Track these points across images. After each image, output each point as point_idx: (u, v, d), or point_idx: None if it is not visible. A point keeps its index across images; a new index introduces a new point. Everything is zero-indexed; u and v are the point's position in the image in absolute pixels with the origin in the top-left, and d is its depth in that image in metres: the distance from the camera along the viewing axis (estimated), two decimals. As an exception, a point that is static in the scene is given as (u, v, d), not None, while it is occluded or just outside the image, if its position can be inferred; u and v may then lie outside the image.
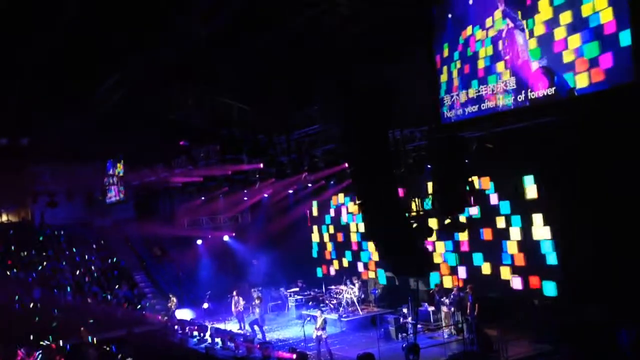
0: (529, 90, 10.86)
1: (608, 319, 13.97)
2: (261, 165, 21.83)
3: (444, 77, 12.75)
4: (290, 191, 27.64)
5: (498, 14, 11.48)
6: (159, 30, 12.17)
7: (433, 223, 17.69)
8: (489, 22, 11.72)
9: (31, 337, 19.13)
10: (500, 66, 11.58)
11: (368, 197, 14.14)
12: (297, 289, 25.12)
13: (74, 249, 28.50)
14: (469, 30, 12.10)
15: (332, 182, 25.28)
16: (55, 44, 12.92)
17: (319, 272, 27.65)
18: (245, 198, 28.54)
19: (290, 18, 12.40)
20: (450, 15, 12.43)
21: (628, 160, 13.05)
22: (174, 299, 23.64)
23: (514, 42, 11.07)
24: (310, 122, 18.12)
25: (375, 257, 24.39)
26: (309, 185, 26.33)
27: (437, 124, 13.00)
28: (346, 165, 20.57)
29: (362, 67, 13.49)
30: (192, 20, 11.81)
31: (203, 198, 29.39)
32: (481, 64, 12.03)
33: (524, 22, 10.80)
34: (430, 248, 20.67)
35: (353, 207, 25.64)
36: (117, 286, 26.16)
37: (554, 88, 10.35)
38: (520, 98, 11.08)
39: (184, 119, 17.32)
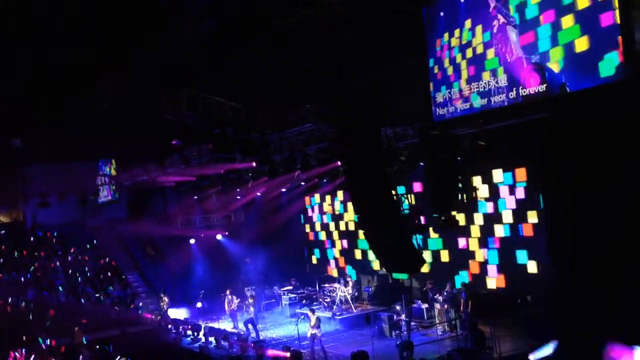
0: (521, 87, 10.96)
1: (600, 316, 14.04)
2: (254, 164, 21.82)
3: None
4: (283, 190, 27.68)
5: (468, 23, 11.85)
6: (154, 31, 12.15)
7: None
8: (457, 32, 12.15)
9: (24, 338, 19.06)
10: (465, 73, 12.20)
11: (360, 194, 14.18)
12: (290, 288, 25.12)
13: (67, 250, 28.40)
14: (445, 37, 12.50)
15: (324, 180, 25.38)
16: (49, 46, 12.87)
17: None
18: (239, 197, 28.51)
19: (284, 18, 12.42)
20: (442, 14, 12.56)
21: (622, 156, 13.10)
22: (166, 299, 23.60)
23: (507, 39, 11.13)
24: (303, 120, 18.12)
25: (338, 254, 26.59)
26: (302, 183, 26.36)
27: (429, 122, 13.14)
28: (339, 163, 20.62)
29: (354, 66, 13.54)
30: (187, 20, 11.80)
31: (196, 197, 29.34)
32: (450, 71, 12.53)
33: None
34: (463, 244, 20.27)
35: (327, 207, 27.12)
36: (110, 286, 26.08)
37: (545, 85, 10.45)
38: (512, 95, 11.19)
39: (176, 118, 17.27)
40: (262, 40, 13.42)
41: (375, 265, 24.40)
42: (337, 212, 26.70)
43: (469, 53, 12.07)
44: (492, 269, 19.36)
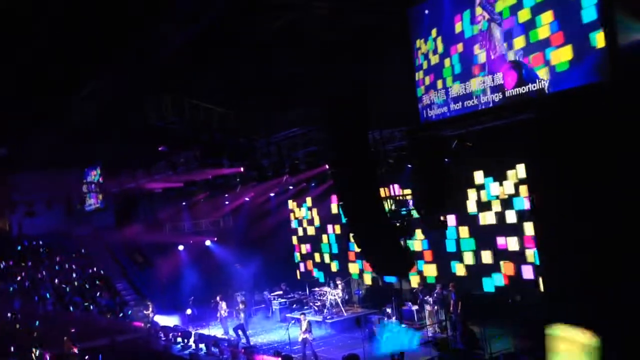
0: (505, 88, 11.02)
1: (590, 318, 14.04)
2: (242, 169, 21.77)
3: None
4: (272, 194, 27.65)
5: (434, 32, 12.04)
6: (138, 36, 12.10)
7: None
8: (423, 41, 12.40)
9: (12, 349, 18.87)
10: (427, 80, 12.54)
11: (349, 198, 14.18)
12: (280, 292, 25.06)
13: (54, 259, 28.18)
14: (417, 43, 12.69)
15: (313, 185, 25.38)
16: (32, 52, 12.78)
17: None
18: (227, 202, 28.44)
19: (268, 22, 12.41)
20: (427, 11, 12.60)
21: (608, 157, 13.13)
22: (151, 306, 23.46)
23: (491, 36, 11.17)
24: (290, 124, 18.11)
25: (299, 258, 27.97)
26: (290, 187, 26.35)
27: (416, 124, 13.17)
28: (327, 167, 20.62)
29: (340, 69, 13.54)
30: (172, 26, 11.75)
31: (184, 203, 29.22)
32: (420, 75, 12.84)
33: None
34: (503, 244, 18.54)
35: (299, 213, 27.81)
36: (98, 295, 25.90)
37: (529, 86, 10.50)
38: (498, 97, 11.24)
39: (163, 124, 17.18)
40: (248, 45, 13.39)
41: (333, 267, 25.23)
42: (303, 217, 27.55)
43: (433, 60, 12.40)
44: (527, 269, 17.81)
